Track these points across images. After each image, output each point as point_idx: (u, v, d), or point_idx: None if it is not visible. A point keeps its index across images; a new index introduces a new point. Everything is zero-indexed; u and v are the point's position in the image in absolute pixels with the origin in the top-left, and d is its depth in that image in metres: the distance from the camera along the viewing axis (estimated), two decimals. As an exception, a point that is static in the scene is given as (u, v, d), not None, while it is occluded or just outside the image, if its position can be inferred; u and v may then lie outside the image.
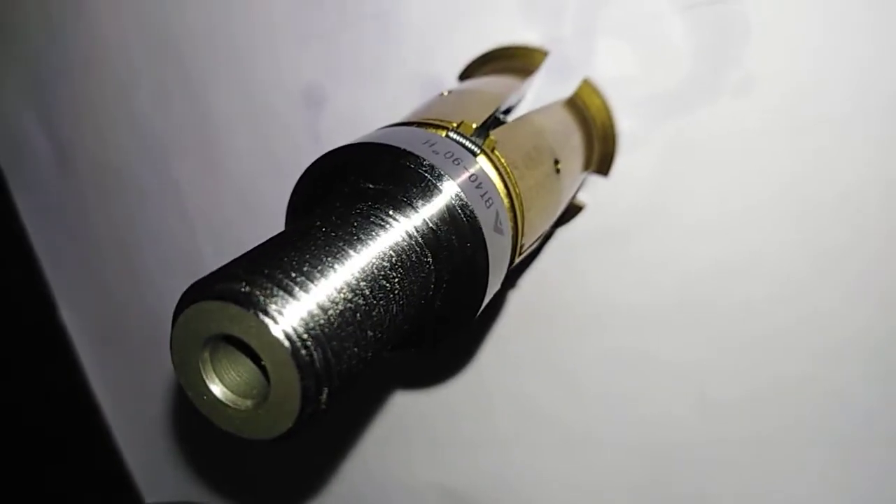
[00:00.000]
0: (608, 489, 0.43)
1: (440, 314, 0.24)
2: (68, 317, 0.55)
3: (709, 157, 0.35)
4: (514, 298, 0.39)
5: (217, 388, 0.18)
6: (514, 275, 0.32)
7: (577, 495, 0.44)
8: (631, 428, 0.41)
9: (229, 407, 0.18)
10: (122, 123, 0.48)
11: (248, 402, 0.18)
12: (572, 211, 0.37)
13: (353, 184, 0.23)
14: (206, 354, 0.18)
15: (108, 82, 0.47)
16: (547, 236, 0.34)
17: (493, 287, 0.24)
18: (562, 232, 0.38)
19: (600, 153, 0.36)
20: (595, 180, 0.37)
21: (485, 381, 0.43)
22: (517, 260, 0.27)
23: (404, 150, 0.22)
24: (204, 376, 0.18)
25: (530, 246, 0.29)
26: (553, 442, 0.44)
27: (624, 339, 0.39)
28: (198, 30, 0.43)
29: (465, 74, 0.37)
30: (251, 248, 0.20)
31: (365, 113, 0.40)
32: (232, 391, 0.18)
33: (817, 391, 0.37)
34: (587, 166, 0.35)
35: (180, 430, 0.58)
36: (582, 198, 0.37)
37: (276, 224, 0.46)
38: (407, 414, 0.46)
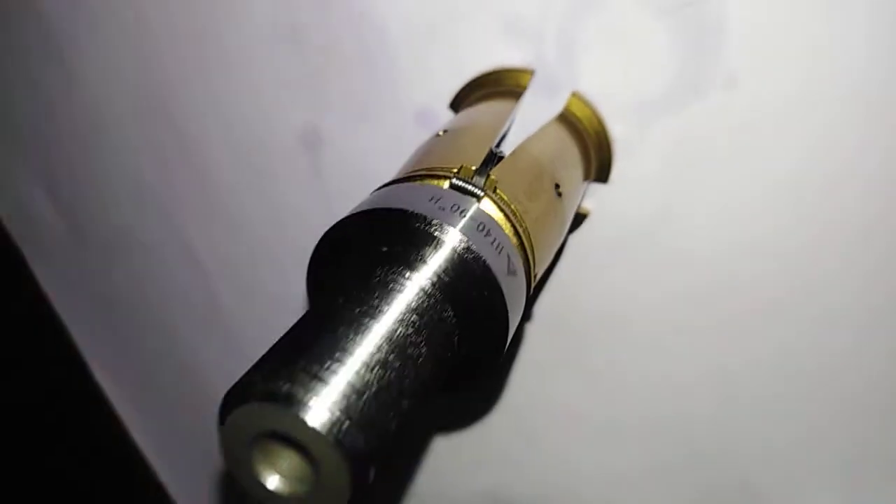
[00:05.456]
0: (647, 474, 0.44)
1: (467, 360, 0.25)
2: (101, 376, 0.56)
3: (704, 153, 0.35)
4: (534, 310, 0.40)
5: (270, 481, 0.19)
6: (530, 303, 0.33)
7: (618, 483, 0.45)
8: (659, 412, 0.42)
9: (283, 496, 0.19)
10: (124, 187, 0.49)
11: (302, 489, 0.19)
12: (578, 220, 0.38)
13: (365, 249, 0.24)
14: (256, 451, 0.19)
15: (105, 149, 0.48)
16: (557, 255, 0.35)
17: (514, 326, 0.25)
18: (571, 240, 0.38)
19: (598, 162, 0.36)
20: (596, 187, 0.37)
21: (511, 389, 0.44)
22: (532, 290, 0.28)
23: (412, 211, 0.23)
24: (256, 472, 0.19)
25: (543, 272, 0.30)
26: (584, 436, 0.45)
27: (640, 333, 0.40)
28: (183, 87, 0.44)
29: (456, 102, 0.37)
30: (281, 336, 0.21)
31: (363, 149, 0.40)
32: (285, 481, 0.19)
33: (827, 362, 0.38)
34: (587, 176, 0.35)
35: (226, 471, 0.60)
36: (586, 205, 0.38)
37: (289, 264, 0.47)
38: (443, 429, 0.47)
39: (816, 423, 0.40)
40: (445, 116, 0.38)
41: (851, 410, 0.38)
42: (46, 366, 0.55)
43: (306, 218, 0.44)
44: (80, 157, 0.49)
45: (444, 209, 0.24)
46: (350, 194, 0.42)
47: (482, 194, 0.26)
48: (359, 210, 0.24)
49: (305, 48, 0.39)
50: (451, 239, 0.23)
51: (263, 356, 0.20)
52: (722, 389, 0.41)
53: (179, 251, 0.48)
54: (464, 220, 0.24)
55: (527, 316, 0.27)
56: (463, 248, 0.23)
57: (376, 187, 0.27)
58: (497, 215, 0.26)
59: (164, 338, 0.52)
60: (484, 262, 0.23)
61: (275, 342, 0.20)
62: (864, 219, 0.34)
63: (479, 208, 0.25)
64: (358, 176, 0.41)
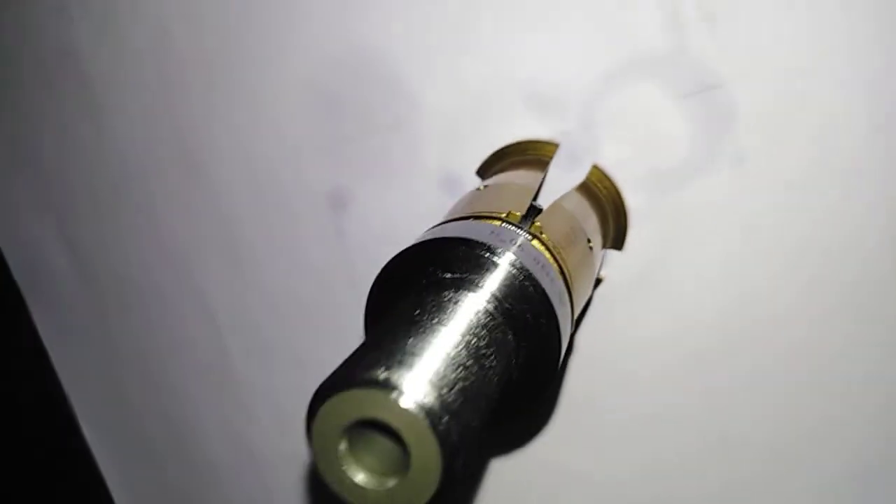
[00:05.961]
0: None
1: (518, 386, 0.26)
2: (90, 434, 0.54)
3: (711, 223, 0.38)
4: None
5: (359, 474, 0.19)
6: (571, 338, 0.35)
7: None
8: (662, 478, 0.43)
9: (370, 490, 0.19)
10: (142, 234, 0.49)
11: (390, 482, 0.19)
12: (594, 284, 0.40)
13: (431, 275, 0.25)
14: (345, 442, 0.19)
15: (126, 193, 0.48)
16: (584, 309, 0.37)
17: (563, 352, 0.26)
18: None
19: (614, 229, 0.39)
20: (609, 253, 0.39)
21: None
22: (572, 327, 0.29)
23: (477, 240, 0.25)
24: (345, 464, 0.19)
25: (578, 317, 0.31)
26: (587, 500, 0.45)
27: (641, 399, 0.42)
28: (216, 139, 0.45)
29: (482, 170, 0.40)
30: (361, 343, 0.21)
31: (387, 211, 0.42)
32: (373, 474, 0.19)
33: (821, 420, 0.40)
34: (605, 243, 0.38)
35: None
36: (601, 272, 0.40)
37: (307, 323, 0.47)
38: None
39: (818, 486, 0.41)
40: (471, 183, 0.40)
41: (849, 471, 0.40)
42: (34, 417, 0.53)
43: (326, 277, 0.45)
44: (99, 198, 0.49)
45: (504, 241, 0.26)
46: (372, 256, 0.44)
47: (532, 237, 0.28)
48: (422, 240, 0.26)
49: (338, 111, 0.41)
50: (513, 266, 0.25)
51: (349, 357, 0.21)
52: (723, 458, 0.42)
53: (193, 304, 0.48)
54: (521, 252, 0.26)
55: (570, 350, 0.28)
56: (524, 276, 0.25)
57: (429, 227, 0.28)
58: (546, 254, 0.27)
59: (161, 394, 0.51)
60: (543, 289, 0.25)
61: (355, 348, 0.21)
62: (864, 292, 0.37)
63: (532, 244, 0.27)
64: (380, 238, 0.43)
